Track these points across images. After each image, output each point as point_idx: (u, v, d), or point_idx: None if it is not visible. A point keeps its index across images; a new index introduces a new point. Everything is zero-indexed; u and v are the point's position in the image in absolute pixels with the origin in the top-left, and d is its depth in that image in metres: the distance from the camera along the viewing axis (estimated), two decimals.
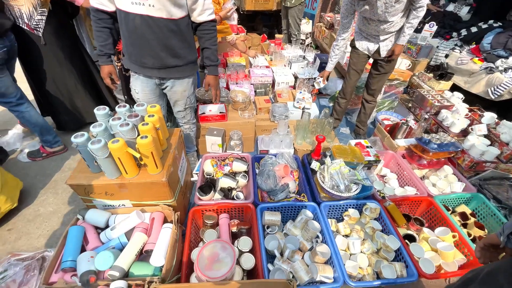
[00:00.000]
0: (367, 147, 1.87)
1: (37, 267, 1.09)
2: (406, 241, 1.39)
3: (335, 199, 1.52)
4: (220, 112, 1.93)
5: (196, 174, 1.76)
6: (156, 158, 1.16)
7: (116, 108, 1.28)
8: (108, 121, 1.18)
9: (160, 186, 1.22)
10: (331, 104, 2.94)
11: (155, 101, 1.52)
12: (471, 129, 1.97)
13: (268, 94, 2.78)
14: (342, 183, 1.50)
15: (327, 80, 2.20)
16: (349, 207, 1.55)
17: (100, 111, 1.24)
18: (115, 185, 1.19)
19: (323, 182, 1.52)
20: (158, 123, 1.24)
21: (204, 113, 1.91)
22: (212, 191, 1.52)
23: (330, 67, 2.11)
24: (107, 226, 1.25)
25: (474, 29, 2.80)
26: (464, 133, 2.06)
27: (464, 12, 3.44)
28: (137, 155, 1.06)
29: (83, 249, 1.13)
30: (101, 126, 1.13)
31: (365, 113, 2.26)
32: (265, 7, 3.59)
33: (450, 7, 3.63)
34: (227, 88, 2.49)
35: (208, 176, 1.69)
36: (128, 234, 1.20)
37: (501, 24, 2.71)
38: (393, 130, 2.21)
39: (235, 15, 3.21)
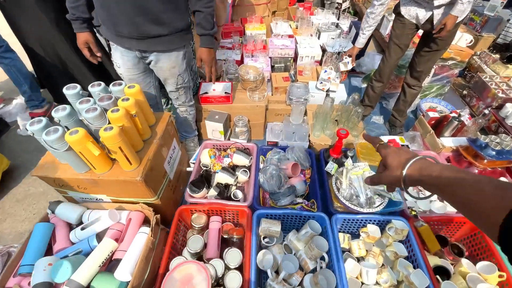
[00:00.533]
0: (403, 146, 1.51)
1: (0, 264, 1.01)
2: (438, 276, 1.10)
3: (352, 212, 1.25)
4: (225, 93, 1.65)
5: (193, 163, 1.56)
6: (128, 153, 0.96)
7: (89, 88, 1.07)
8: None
9: (135, 185, 1.03)
10: (364, 85, 2.49)
11: (141, 78, 1.30)
12: None
13: (289, 70, 2.41)
14: (363, 193, 1.21)
15: (357, 58, 1.78)
16: (369, 222, 1.28)
17: (70, 91, 1.04)
18: (85, 180, 1.03)
19: (338, 190, 1.24)
20: (135, 108, 1.02)
21: (206, 92, 1.65)
22: (205, 188, 1.32)
23: (361, 42, 1.70)
24: (81, 223, 1.12)
25: None
26: None
27: None
28: (96, 152, 0.86)
29: (50, 249, 1.02)
30: (65, 110, 0.94)
31: (405, 101, 1.84)
32: None
33: None
34: (241, 61, 2.17)
35: (205, 168, 1.49)
36: (102, 234, 1.06)
37: None
38: (439, 125, 1.79)
39: None
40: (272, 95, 2.09)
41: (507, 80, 2.08)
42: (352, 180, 1.25)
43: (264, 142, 1.73)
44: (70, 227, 1.12)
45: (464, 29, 2.16)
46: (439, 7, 1.38)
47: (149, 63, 1.23)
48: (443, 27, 1.38)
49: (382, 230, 1.27)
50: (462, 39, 2.00)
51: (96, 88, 1.07)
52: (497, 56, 2.19)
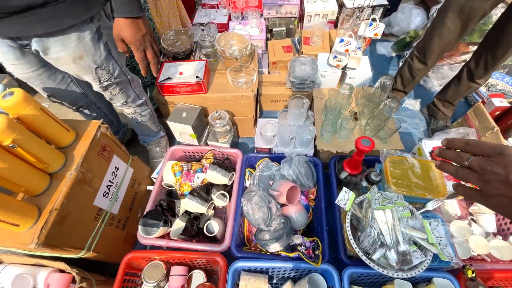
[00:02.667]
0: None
1: None
2: None
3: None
4: (196, 77, 1.21)
5: (155, 179, 1.21)
6: (3, 214, 0.60)
7: None
8: None
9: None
10: (394, 54, 1.94)
11: (44, 74, 0.90)
12: None
13: (294, 34, 1.90)
14: (392, 243, 0.84)
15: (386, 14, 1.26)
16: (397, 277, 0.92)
17: None
18: None
19: (354, 234, 0.88)
20: (11, 134, 0.63)
21: (169, 78, 1.22)
22: (163, 223, 0.98)
23: None
24: None
25: None
26: None
27: None
28: None
29: None
30: None
31: (457, 92, 1.36)
32: None
33: None
34: (226, 27, 1.69)
35: (169, 188, 1.15)
36: None
37: None
38: (504, 118, 1.30)
39: None
40: (269, 72, 1.66)
41: None
42: (377, 219, 0.87)
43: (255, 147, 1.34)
44: None
45: None
46: None
47: (37, 53, 0.80)
48: None
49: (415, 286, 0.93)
50: None
51: None
52: None
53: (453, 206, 1.13)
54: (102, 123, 0.91)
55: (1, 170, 0.62)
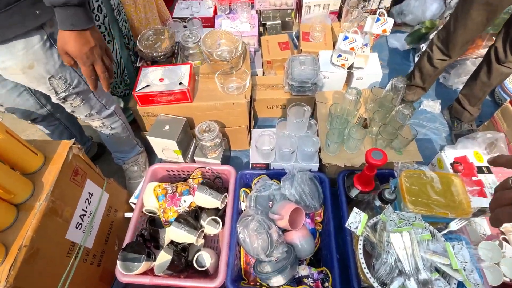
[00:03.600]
0: (481, 170, 1.16)
1: None
2: None
3: None
4: (179, 84, 1.29)
5: (135, 204, 1.27)
6: None
7: None
8: None
9: None
10: (408, 47, 2.06)
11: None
12: None
13: (292, 27, 2.03)
14: (412, 270, 0.91)
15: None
16: None
17: None
18: None
19: (368, 266, 0.94)
20: None
21: (148, 86, 1.29)
22: (146, 257, 1.04)
23: None
24: None
25: None
26: None
27: None
28: None
29: None
30: None
31: (486, 83, 1.46)
32: None
33: None
34: (212, 23, 1.80)
35: (151, 215, 1.21)
36: None
37: None
38: None
39: None
40: (263, 73, 1.77)
41: None
42: (394, 244, 0.94)
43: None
44: None
45: None
46: None
47: None
48: None
49: None
50: None
51: None
52: None
53: (481, 224, 1.20)
54: (74, 143, 0.97)
55: None
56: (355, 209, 1.02)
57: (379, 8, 1.36)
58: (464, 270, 0.90)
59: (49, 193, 0.87)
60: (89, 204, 1.05)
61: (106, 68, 0.88)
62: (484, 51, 1.75)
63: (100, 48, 0.85)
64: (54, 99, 1.04)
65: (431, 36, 1.81)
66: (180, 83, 1.31)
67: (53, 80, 0.96)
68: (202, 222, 1.18)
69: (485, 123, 1.54)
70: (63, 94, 1.02)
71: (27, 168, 0.88)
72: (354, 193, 1.20)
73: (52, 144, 0.97)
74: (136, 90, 1.29)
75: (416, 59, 1.96)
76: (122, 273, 1.01)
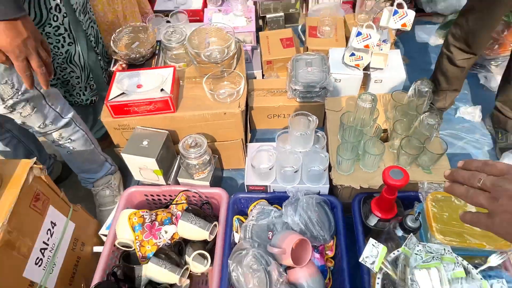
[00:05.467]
0: None
1: None
2: None
3: None
4: (160, 91, 1.38)
5: (106, 236, 1.34)
6: None
7: None
8: None
9: None
10: (441, 42, 2.14)
11: None
12: None
13: (297, 20, 2.14)
14: None
15: None
16: None
17: None
18: None
19: None
20: None
21: (124, 94, 1.38)
22: None
23: None
24: None
25: None
26: None
27: None
28: None
29: None
30: None
31: None
32: None
33: None
34: (201, 17, 1.90)
35: (126, 249, 1.28)
36: None
37: None
38: None
39: None
40: (262, 76, 1.87)
41: None
42: (419, 283, 0.99)
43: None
44: None
45: None
46: None
47: None
48: None
49: None
50: None
51: None
52: None
53: None
54: (35, 163, 1.04)
55: None
56: (371, 240, 1.08)
57: (397, 3, 1.45)
58: None
59: (5, 222, 0.93)
60: (51, 235, 1.12)
61: (43, 63, 0.94)
62: None
63: (34, 40, 0.91)
64: (0, 109, 1.12)
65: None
66: (162, 90, 1.40)
67: None
68: (187, 258, 1.24)
69: None
70: (11, 102, 1.10)
71: None
72: (372, 221, 1.25)
73: (9, 164, 1.04)
74: (109, 99, 1.38)
75: None
76: None
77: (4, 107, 1.11)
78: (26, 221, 1.02)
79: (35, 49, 0.92)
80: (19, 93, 1.11)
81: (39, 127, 1.26)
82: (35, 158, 1.08)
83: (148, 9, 1.91)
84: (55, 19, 1.33)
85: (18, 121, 1.22)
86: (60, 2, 1.34)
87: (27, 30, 0.89)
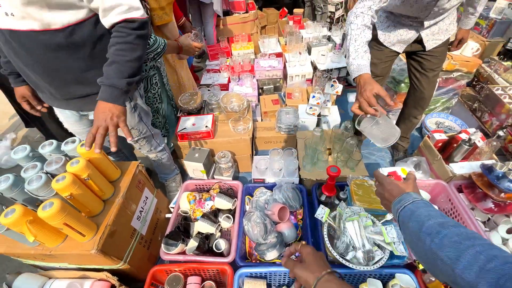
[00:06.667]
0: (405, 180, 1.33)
1: None
2: None
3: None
4: (205, 127, 1.54)
5: (173, 208, 1.44)
6: (77, 225, 0.85)
7: (39, 148, 0.98)
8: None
9: (93, 257, 0.92)
10: None
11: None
12: None
13: (280, 90, 2.30)
14: (360, 246, 1.05)
15: None
16: (369, 276, 1.11)
17: (18, 154, 0.94)
18: (38, 254, 0.92)
19: (331, 242, 1.09)
20: (87, 170, 0.91)
21: (185, 128, 1.54)
22: (181, 242, 1.19)
23: (363, 64, 1.02)
24: None
25: None
26: None
27: None
28: (31, 238, 0.75)
29: None
30: (7, 181, 0.84)
31: (405, 128, 1.68)
32: None
33: None
34: (227, 87, 2.07)
35: (185, 214, 1.37)
36: None
37: None
38: (447, 147, 1.61)
39: None
40: (261, 119, 1.99)
41: None
42: (347, 229, 1.10)
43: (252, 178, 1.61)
44: None
45: (470, 35, 1.98)
46: (429, 27, 1.23)
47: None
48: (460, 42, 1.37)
49: (385, 284, 1.11)
50: (468, 48, 1.82)
51: (47, 148, 0.98)
52: (509, 63, 2.00)
53: None
54: (139, 163, 1.19)
55: (77, 195, 0.88)
56: (321, 206, 1.19)
57: (333, 78, 1.64)
58: (394, 243, 1.05)
59: (124, 194, 1.06)
60: (145, 204, 1.23)
61: (115, 133, 0.84)
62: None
63: (116, 118, 0.83)
64: (129, 141, 1.14)
65: None
66: (206, 126, 1.55)
67: (132, 129, 1.16)
68: (220, 219, 1.32)
69: (416, 151, 1.74)
70: (136, 138, 1.22)
71: (112, 177, 1.09)
72: (323, 198, 1.36)
73: (126, 164, 1.18)
74: (178, 131, 1.54)
75: None
76: (164, 252, 1.16)
77: (132, 141, 1.18)
78: (133, 194, 1.13)
79: (116, 125, 0.84)
80: (142, 134, 1.22)
81: (147, 151, 1.34)
82: (139, 161, 1.22)
83: (195, 87, 2.04)
84: (153, 90, 1.46)
85: (137, 147, 1.30)
86: (158, 81, 1.46)
87: (118, 110, 0.84)
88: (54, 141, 1.00)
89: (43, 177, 0.85)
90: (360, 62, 1.01)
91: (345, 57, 1.20)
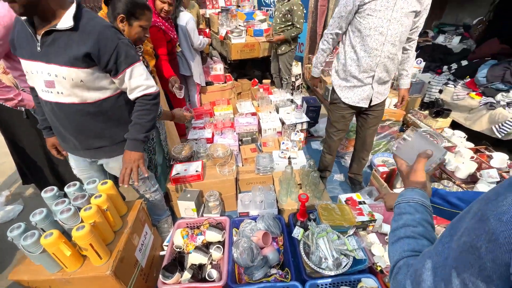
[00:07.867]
0: (360, 203, 1.67)
1: None
2: None
3: (324, 275, 1.29)
4: (196, 171, 1.81)
5: (167, 246, 1.58)
6: (98, 247, 1.02)
7: (65, 188, 1.19)
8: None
9: (105, 280, 1.05)
10: (321, 148, 2.79)
11: (96, 177, 1.35)
12: (480, 175, 1.76)
13: (256, 141, 2.70)
14: (330, 255, 1.29)
15: (311, 125, 2.09)
16: (342, 285, 1.31)
17: (47, 194, 1.14)
18: (57, 280, 1.04)
19: (307, 256, 1.31)
20: (107, 203, 1.13)
21: (178, 173, 1.80)
22: (178, 272, 1.33)
23: (316, 72, 1.80)
24: None
25: (464, 63, 2.74)
26: (473, 178, 1.85)
27: (455, 42, 3.40)
28: (67, 253, 0.93)
29: None
30: (42, 214, 1.03)
31: (357, 167, 2.09)
32: (251, 55, 3.67)
33: (440, 39, 3.60)
34: (212, 140, 2.43)
35: (178, 250, 1.51)
36: None
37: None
38: (391, 177, 2.02)
39: (220, 65, 3.32)
40: (242, 165, 2.29)
41: (440, 131, 2.49)
42: (318, 243, 1.34)
43: (238, 212, 1.82)
44: None
45: (392, 94, 2.63)
46: (377, 85, 1.59)
47: (101, 164, 1.33)
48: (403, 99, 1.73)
49: None
50: (391, 103, 2.46)
51: (71, 188, 1.19)
52: (427, 112, 2.66)
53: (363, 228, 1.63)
54: (143, 201, 1.40)
55: (98, 223, 1.07)
56: (296, 227, 1.45)
57: (296, 131, 2.08)
58: (355, 251, 1.31)
59: (131, 226, 1.23)
60: (145, 238, 1.37)
61: (137, 172, 1.16)
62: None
63: (137, 161, 1.16)
64: (134, 182, 1.30)
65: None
66: (196, 171, 1.81)
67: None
68: (211, 250, 1.46)
69: (368, 185, 2.12)
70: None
71: (121, 212, 1.27)
72: (297, 223, 1.61)
73: (131, 202, 1.37)
74: (172, 175, 1.78)
75: None
76: (162, 282, 1.28)
77: (131, 182, 1.29)
78: (137, 228, 1.29)
79: (137, 165, 1.17)
80: (139, 177, 1.37)
81: (144, 191, 1.49)
82: (142, 199, 1.42)
83: (186, 138, 2.37)
84: (149, 143, 1.69)
85: (135, 186, 1.44)
86: (154, 137, 1.72)
87: (139, 155, 1.16)
88: (77, 183, 1.22)
89: (72, 209, 1.05)
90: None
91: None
